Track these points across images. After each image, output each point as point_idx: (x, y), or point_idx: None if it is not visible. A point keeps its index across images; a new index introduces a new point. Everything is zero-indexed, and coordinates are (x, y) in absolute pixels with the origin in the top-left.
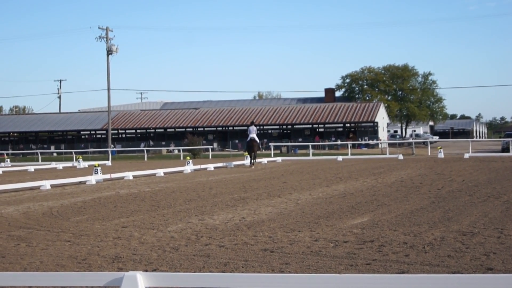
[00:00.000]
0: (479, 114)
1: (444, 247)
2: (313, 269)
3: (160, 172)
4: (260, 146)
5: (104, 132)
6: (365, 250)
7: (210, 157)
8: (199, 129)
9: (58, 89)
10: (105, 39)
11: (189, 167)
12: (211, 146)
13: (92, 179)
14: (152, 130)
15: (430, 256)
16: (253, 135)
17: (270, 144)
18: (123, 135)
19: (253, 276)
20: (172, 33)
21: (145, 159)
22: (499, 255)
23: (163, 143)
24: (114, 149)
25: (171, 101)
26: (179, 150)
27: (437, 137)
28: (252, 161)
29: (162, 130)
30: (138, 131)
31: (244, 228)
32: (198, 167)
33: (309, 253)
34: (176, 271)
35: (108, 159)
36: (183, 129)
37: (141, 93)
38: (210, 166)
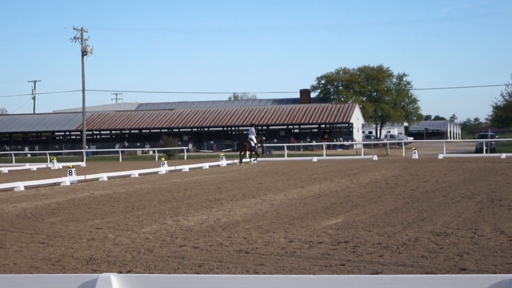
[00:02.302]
0: (453, 115)
1: (418, 247)
2: (288, 270)
3: (135, 173)
4: (254, 146)
5: (79, 133)
6: (339, 250)
7: (185, 158)
8: (174, 130)
9: (32, 90)
10: (80, 40)
11: (164, 168)
12: (186, 147)
13: (66, 181)
14: (127, 131)
15: (404, 256)
16: (251, 136)
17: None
18: (98, 136)
19: (228, 277)
20: (147, 34)
21: (120, 160)
22: (472, 255)
23: (138, 144)
24: (89, 150)
25: (146, 102)
26: (154, 151)
27: (412, 138)
28: (242, 160)
29: (137, 131)
30: (113, 132)
31: (219, 229)
32: (173, 168)
33: (283, 254)
34: (150, 273)
35: (82, 160)
36: (158, 130)
37: (116, 94)
38: (185, 167)
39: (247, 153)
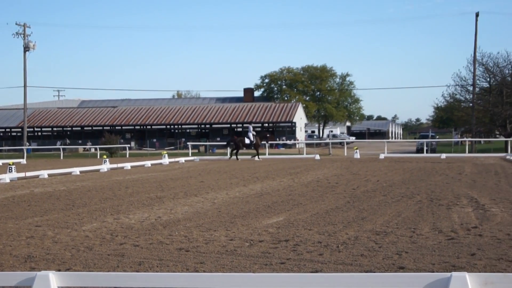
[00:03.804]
0: (395, 115)
1: (357, 246)
2: (228, 268)
3: (76, 170)
4: (250, 143)
5: (20, 130)
6: (280, 249)
7: (128, 156)
8: (116, 127)
9: None
10: (22, 35)
11: (105, 166)
12: (129, 145)
13: (6, 178)
14: (69, 128)
15: (344, 255)
16: (249, 133)
17: (188, 143)
18: (39, 133)
19: (168, 276)
20: (90, 31)
21: (61, 157)
22: (410, 254)
23: (80, 141)
24: (30, 147)
25: (89, 99)
26: (96, 149)
27: (354, 138)
28: (233, 156)
29: (79, 128)
30: (55, 129)
31: (160, 227)
32: (115, 166)
33: (224, 252)
34: (89, 271)
35: (23, 157)
36: (101, 128)
37: (59, 90)
38: (127, 165)
39: (253, 151)
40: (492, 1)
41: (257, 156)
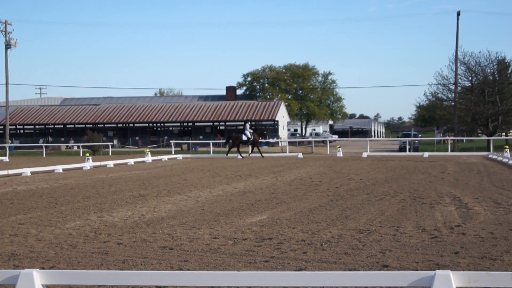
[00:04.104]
0: (378, 114)
1: (341, 244)
2: (212, 267)
3: (59, 168)
4: (248, 140)
5: (2, 127)
6: (263, 247)
7: (110, 153)
8: (99, 125)
9: None
10: (3, 32)
11: (88, 164)
12: (111, 143)
13: None
14: (52, 126)
15: (328, 253)
16: (246, 131)
17: (170, 141)
18: (21, 131)
19: (152, 274)
20: (72, 28)
21: (44, 155)
22: (394, 252)
23: (63, 139)
24: (12, 144)
25: (71, 97)
26: (78, 147)
27: (336, 136)
28: (235, 154)
29: (62, 126)
30: (37, 127)
31: (143, 225)
32: (97, 163)
33: (208, 250)
34: (73, 269)
35: (5, 155)
36: (83, 125)
37: (41, 88)
38: (110, 163)
39: (250, 148)
40: (473, 0)
41: (259, 154)
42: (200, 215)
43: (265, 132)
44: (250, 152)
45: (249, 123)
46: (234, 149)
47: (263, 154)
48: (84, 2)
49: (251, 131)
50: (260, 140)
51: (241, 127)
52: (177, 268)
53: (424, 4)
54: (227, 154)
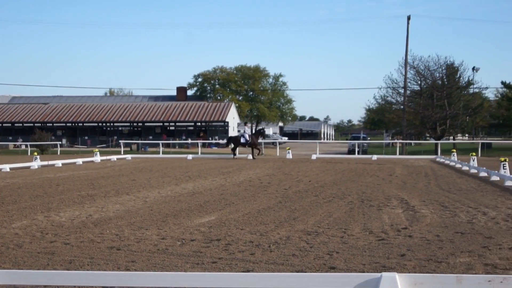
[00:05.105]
0: (327, 117)
1: (289, 246)
2: (159, 267)
3: (6, 167)
4: (246, 142)
5: None
6: (211, 248)
7: (59, 153)
8: (48, 124)
9: None
10: None
11: (36, 163)
12: (60, 142)
13: None
14: None
15: (275, 255)
16: (245, 134)
17: (120, 141)
18: None
19: (98, 274)
20: (20, 26)
21: None
22: (341, 254)
23: (10, 138)
24: None
25: (20, 96)
26: (26, 146)
27: (286, 138)
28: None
29: (10, 124)
30: None
31: (91, 225)
32: (45, 163)
33: (155, 251)
34: (19, 269)
35: None
36: (32, 124)
37: None
38: (59, 163)
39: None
40: (423, 5)
41: (259, 152)
42: (148, 216)
43: (262, 131)
44: (252, 155)
45: (249, 126)
46: (235, 148)
47: (261, 153)
48: (35, 0)
49: (249, 133)
50: (207, 141)
51: (191, 128)
52: (124, 268)
53: (375, 8)
54: (234, 156)
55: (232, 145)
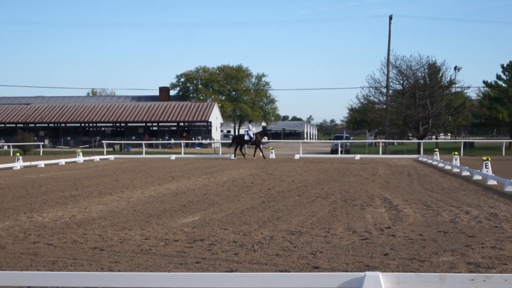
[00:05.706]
0: (310, 116)
1: (272, 246)
2: (143, 268)
3: None
4: (249, 140)
5: None
6: (195, 248)
7: (41, 153)
8: (30, 125)
9: None
10: None
11: (19, 164)
12: (43, 143)
13: None
14: None
15: (259, 254)
16: (249, 131)
17: (102, 142)
18: None
19: (82, 275)
20: (1, 26)
21: None
22: (325, 253)
23: None
24: None
25: (2, 96)
26: (9, 146)
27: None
28: (235, 154)
29: None
30: None
31: (74, 226)
32: (28, 163)
33: (139, 251)
34: (2, 270)
35: None
36: (14, 125)
37: None
38: (41, 163)
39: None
40: (405, 5)
41: (261, 154)
42: (131, 216)
43: (268, 132)
44: (254, 154)
45: (252, 123)
46: (242, 147)
47: (261, 154)
48: (17, 1)
49: (254, 131)
50: (191, 141)
51: (174, 128)
52: (107, 269)
53: (357, 8)
54: (244, 156)
55: (235, 145)
